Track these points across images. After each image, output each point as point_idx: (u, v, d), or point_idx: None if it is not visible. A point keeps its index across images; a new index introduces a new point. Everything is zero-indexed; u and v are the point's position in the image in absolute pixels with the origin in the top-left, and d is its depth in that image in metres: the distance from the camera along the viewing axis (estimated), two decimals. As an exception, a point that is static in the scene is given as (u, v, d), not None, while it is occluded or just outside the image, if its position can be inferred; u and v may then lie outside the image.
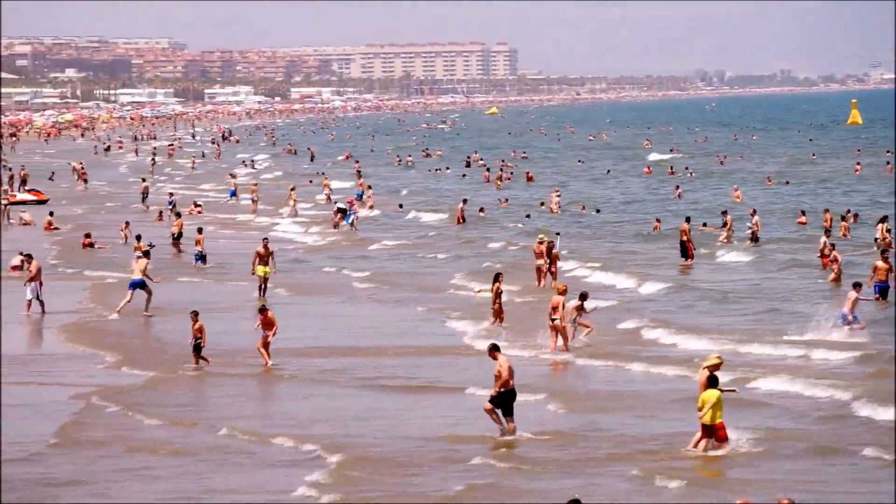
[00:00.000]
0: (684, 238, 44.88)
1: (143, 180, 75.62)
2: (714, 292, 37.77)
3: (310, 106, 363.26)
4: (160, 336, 32.80)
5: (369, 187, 71.31)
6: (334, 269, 45.26)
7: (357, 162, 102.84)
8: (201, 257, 45.50)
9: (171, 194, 67.23)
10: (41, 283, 35.67)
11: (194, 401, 25.81)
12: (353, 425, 23.09)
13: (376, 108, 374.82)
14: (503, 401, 21.84)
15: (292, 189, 68.45)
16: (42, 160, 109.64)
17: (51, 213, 60.04)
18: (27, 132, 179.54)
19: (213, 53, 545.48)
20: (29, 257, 37.01)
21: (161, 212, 62.28)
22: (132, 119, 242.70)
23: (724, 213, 50.74)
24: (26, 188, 76.15)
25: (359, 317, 35.46)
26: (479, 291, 38.07)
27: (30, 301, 35.41)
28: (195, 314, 28.39)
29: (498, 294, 32.40)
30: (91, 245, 50.55)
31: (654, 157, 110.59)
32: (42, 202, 70.59)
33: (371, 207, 65.69)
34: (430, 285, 40.89)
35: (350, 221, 58.66)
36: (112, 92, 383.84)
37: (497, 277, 32.63)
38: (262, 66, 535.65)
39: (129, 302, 35.44)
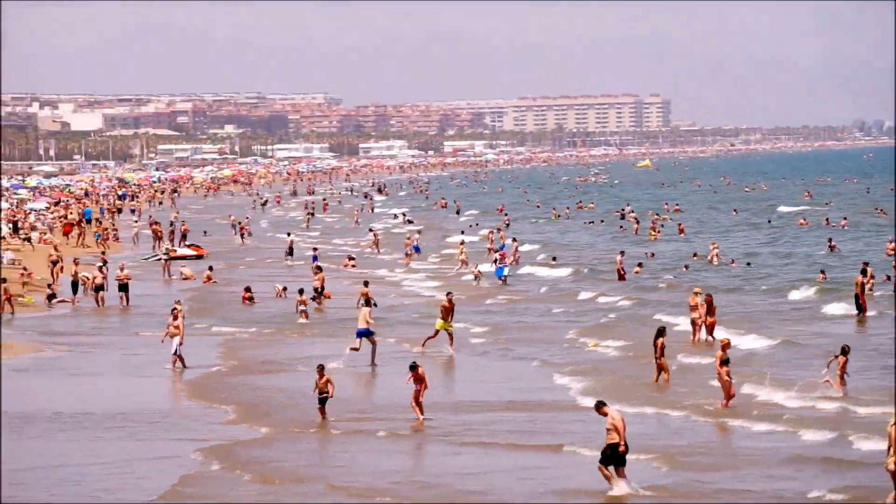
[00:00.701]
0: (858, 291, 44.15)
1: (289, 234, 77.04)
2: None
3: (462, 159, 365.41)
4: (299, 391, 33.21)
5: (514, 239, 71.72)
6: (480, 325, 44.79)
7: (507, 215, 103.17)
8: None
9: (315, 249, 67.95)
10: (181, 339, 36.13)
11: (315, 459, 25.90)
12: (471, 482, 23.04)
13: (528, 160, 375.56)
14: (616, 456, 21.87)
15: (462, 244, 68.55)
16: (201, 215, 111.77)
17: (210, 268, 61.28)
18: (188, 188, 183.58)
19: (368, 108, 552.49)
20: (175, 312, 37.11)
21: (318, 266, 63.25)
22: (288, 174, 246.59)
23: (866, 264, 49.78)
24: (186, 243, 77.88)
25: (485, 370, 35.80)
26: (594, 345, 38.25)
27: (175, 356, 35.85)
28: (321, 368, 28.79)
29: (661, 349, 32.18)
30: (251, 299, 51.43)
31: (798, 207, 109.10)
32: (200, 257, 72.12)
33: (516, 262, 64.84)
34: (550, 338, 40.90)
35: (502, 275, 58.65)
36: (269, 147, 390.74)
37: (661, 332, 32.39)
38: (415, 119, 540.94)
39: (356, 349, 36.43)
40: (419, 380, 28.40)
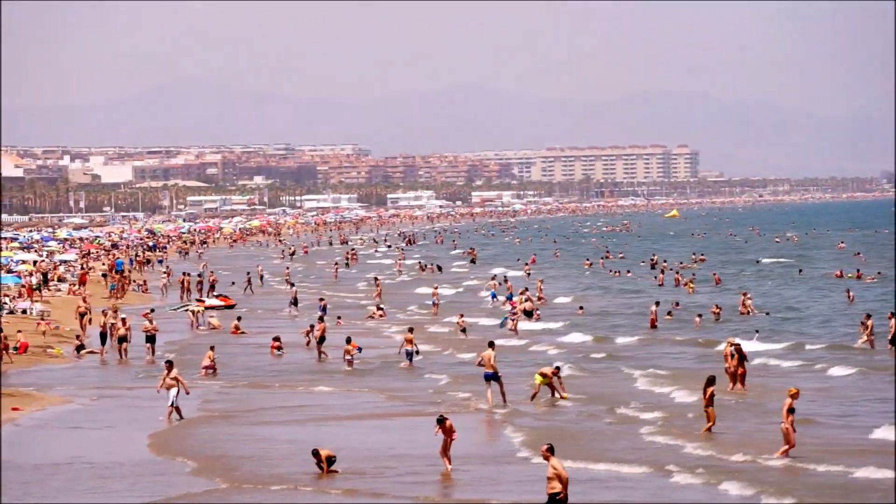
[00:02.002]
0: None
1: (292, 285, 77.36)
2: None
3: (490, 209, 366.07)
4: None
5: (540, 287, 71.90)
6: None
7: (526, 265, 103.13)
8: (410, 355, 46.63)
9: (322, 300, 67.77)
10: (188, 392, 36.02)
11: None
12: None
13: (556, 210, 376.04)
14: None
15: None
16: (228, 266, 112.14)
17: (238, 318, 61.46)
18: (216, 239, 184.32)
19: (396, 159, 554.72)
20: (170, 364, 36.78)
21: (339, 316, 63.42)
22: (316, 224, 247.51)
23: (868, 316, 49.79)
24: (214, 293, 78.17)
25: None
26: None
27: (171, 408, 35.56)
28: (442, 419, 28.74)
29: (710, 397, 32.01)
30: (279, 348, 51.58)
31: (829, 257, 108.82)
32: (230, 307, 72.35)
33: (537, 318, 63.58)
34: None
35: (501, 323, 58.27)
36: (298, 198, 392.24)
37: (711, 381, 32.26)
38: (443, 170, 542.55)
39: (490, 395, 37.24)
40: (447, 432, 28.49)
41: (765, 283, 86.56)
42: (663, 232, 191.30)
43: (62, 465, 29.37)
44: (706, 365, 44.91)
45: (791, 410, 28.77)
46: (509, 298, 68.18)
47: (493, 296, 70.43)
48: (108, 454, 30.95)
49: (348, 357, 46.69)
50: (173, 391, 35.64)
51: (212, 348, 46.94)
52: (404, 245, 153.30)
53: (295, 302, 71.42)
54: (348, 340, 47.47)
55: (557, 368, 39.50)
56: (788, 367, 45.02)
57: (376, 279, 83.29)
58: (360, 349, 48.17)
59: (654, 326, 58.48)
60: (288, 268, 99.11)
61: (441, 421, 28.67)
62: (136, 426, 34.83)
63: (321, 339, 50.04)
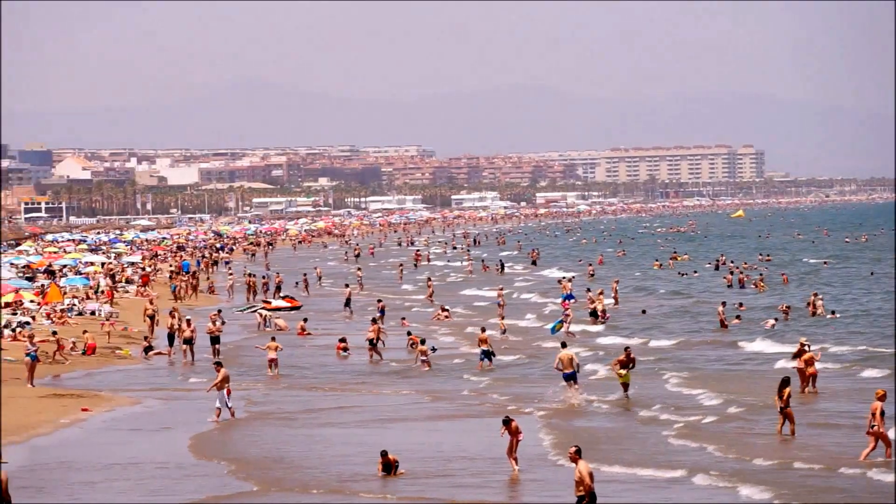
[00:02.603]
0: None
1: (347, 286, 77.30)
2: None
3: (555, 210, 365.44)
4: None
5: (615, 289, 71.76)
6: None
7: (590, 265, 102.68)
8: (486, 355, 46.60)
9: (380, 301, 67.64)
10: (229, 391, 36.06)
11: None
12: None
13: (621, 211, 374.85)
14: None
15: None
16: (292, 268, 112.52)
17: (304, 320, 61.68)
18: (283, 240, 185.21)
19: (461, 160, 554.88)
20: (218, 365, 37.15)
21: (403, 318, 63.55)
22: (381, 225, 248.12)
23: None
24: (280, 295, 78.52)
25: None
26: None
27: (219, 409, 35.81)
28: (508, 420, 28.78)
29: (787, 398, 31.79)
30: (346, 349, 51.72)
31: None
32: (295, 308, 72.64)
33: (604, 319, 62.82)
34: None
35: (554, 328, 57.39)
36: (362, 199, 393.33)
37: (786, 382, 32.05)
38: (507, 171, 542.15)
39: (571, 393, 37.88)
40: (513, 433, 28.46)
41: (834, 283, 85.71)
42: (729, 232, 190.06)
43: (112, 467, 29.52)
44: (739, 368, 44.88)
45: (882, 413, 28.47)
46: (566, 299, 67.97)
47: (570, 297, 69.76)
48: (154, 455, 31.02)
49: (423, 358, 46.79)
50: (223, 392, 35.82)
51: (273, 339, 47.39)
52: (469, 246, 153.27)
53: (348, 303, 71.59)
54: (423, 342, 47.79)
55: (627, 349, 39.56)
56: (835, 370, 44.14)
57: (429, 279, 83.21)
58: (434, 349, 48.27)
59: (724, 326, 58.06)
60: (360, 268, 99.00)
61: (507, 422, 28.67)
62: (191, 427, 34.90)
63: (374, 341, 50.17)
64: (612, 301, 69.66)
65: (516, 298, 78.36)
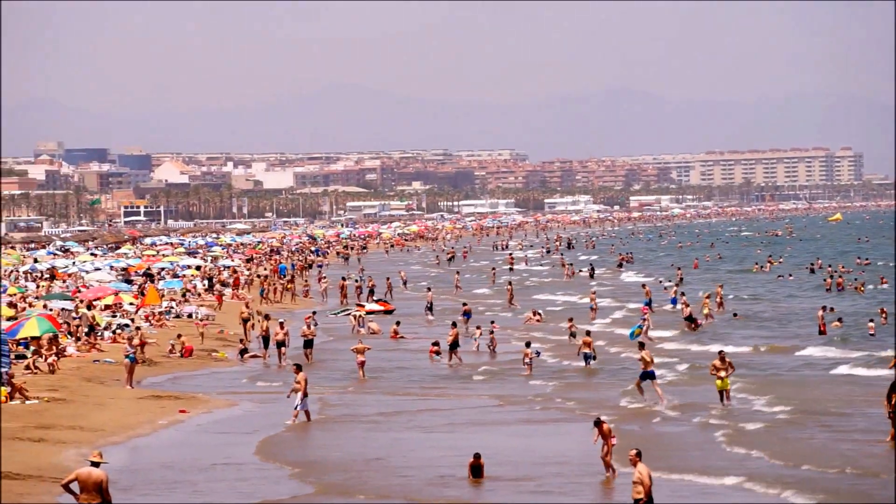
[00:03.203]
0: None
1: (428, 290, 77.53)
2: None
3: (648, 214, 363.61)
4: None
5: (720, 293, 71.07)
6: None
7: (679, 269, 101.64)
8: (588, 358, 46.92)
9: (465, 304, 67.66)
10: (306, 394, 36.15)
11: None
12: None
13: (716, 214, 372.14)
14: None
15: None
16: (385, 271, 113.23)
17: (397, 323, 62.11)
18: (376, 244, 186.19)
19: (553, 163, 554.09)
20: (297, 368, 37.25)
21: (492, 321, 63.89)
22: (474, 229, 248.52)
23: None
24: (374, 298, 79.10)
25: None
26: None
27: (297, 411, 36.02)
28: (598, 422, 28.94)
29: (895, 404, 31.49)
30: (437, 353, 52.10)
31: None
32: (389, 312, 73.15)
33: (697, 326, 61.69)
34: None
35: (633, 333, 55.98)
36: (455, 203, 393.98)
37: (894, 386, 31.82)
38: (601, 175, 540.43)
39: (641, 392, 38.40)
40: (605, 435, 28.55)
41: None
42: (826, 236, 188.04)
43: (214, 467, 30.00)
44: (798, 373, 44.64)
45: None
46: (646, 304, 68.00)
47: (649, 303, 69.68)
48: (223, 456, 31.36)
49: (527, 360, 47.04)
50: (299, 395, 36.13)
51: (360, 342, 48.00)
52: (559, 251, 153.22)
53: (430, 307, 72.07)
54: (528, 345, 48.07)
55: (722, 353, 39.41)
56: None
57: (509, 283, 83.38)
58: (538, 353, 48.46)
59: (822, 332, 57.48)
60: (458, 272, 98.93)
61: (598, 423, 28.81)
62: (275, 430, 35.36)
63: (453, 345, 50.48)
64: (717, 306, 68.80)
65: (586, 304, 77.69)
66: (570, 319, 57.44)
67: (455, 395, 42.14)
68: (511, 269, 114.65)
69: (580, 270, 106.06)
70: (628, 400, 39.06)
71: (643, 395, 38.63)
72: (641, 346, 40.76)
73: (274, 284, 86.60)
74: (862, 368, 45.58)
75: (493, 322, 63.24)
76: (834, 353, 50.25)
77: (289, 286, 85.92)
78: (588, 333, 48.91)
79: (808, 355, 50.59)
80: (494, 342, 53.51)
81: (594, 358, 47.24)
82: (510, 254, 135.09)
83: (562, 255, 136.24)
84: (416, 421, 36.90)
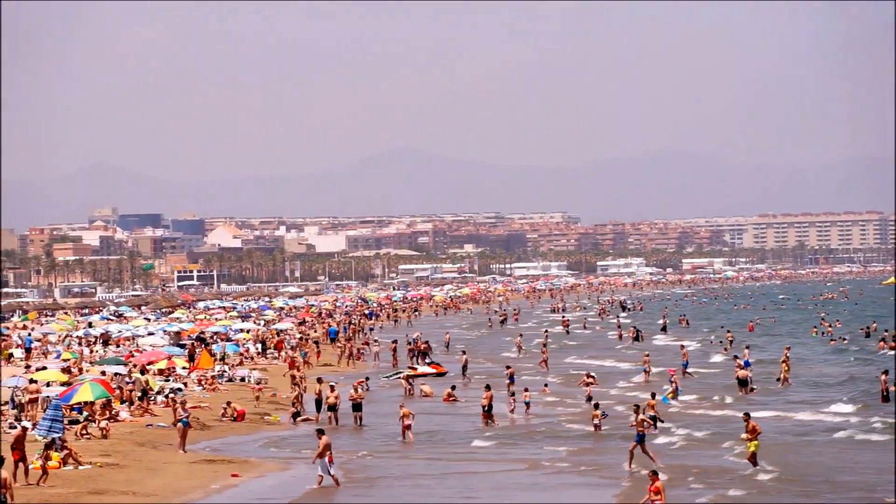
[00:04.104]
0: None
1: (464, 353, 77.44)
2: None
3: (701, 276, 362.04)
4: None
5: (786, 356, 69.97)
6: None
7: (729, 332, 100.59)
8: (654, 420, 46.45)
9: (509, 367, 67.15)
10: (331, 460, 35.94)
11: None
12: None
13: (769, 277, 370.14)
14: None
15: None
16: (436, 333, 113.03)
17: (452, 387, 61.78)
18: (430, 306, 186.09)
19: (606, 226, 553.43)
20: (320, 432, 36.92)
21: (545, 384, 63.64)
22: (526, 292, 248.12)
23: None
24: (426, 361, 78.90)
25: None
26: None
27: (321, 476, 35.78)
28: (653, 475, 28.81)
29: None
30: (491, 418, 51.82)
31: None
32: (441, 374, 72.93)
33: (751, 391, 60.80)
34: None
35: (665, 398, 55.58)
36: (507, 266, 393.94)
37: None
38: (653, 237, 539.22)
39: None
40: (657, 492, 28.28)
41: None
42: (880, 299, 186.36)
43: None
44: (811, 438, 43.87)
45: None
46: (684, 366, 67.96)
47: (686, 365, 69.41)
48: None
49: (596, 422, 46.68)
50: (324, 460, 35.90)
51: (401, 405, 47.86)
52: (618, 311, 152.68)
53: (464, 370, 71.86)
54: (596, 406, 47.98)
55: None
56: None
57: (543, 345, 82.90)
58: (605, 414, 48.14)
59: (885, 399, 55.93)
60: (521, 335, 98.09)
61: (653, 474, 28.59)
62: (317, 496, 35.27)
63: (488, 408, 50.33)
64: (785, 368, 67.44)
65: (613, 367, 77.03)
66: (588, 381, 57.66)
67: (485, 458, 41.73)
68: (567, 331, 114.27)
69: (637, 332, 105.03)
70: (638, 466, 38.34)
71: (631, 466, 37.87)
72: (637, 407, 40.41)
73: (318, 348, 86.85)
74: None
75: (545, 385, 62.93)
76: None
77: (341, 349, 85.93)
78: (653, 396, 48.55)
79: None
80: (528, 408, 53.47)
81: (661, 420, 46.77)
82: (564, 317, 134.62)
83: (617, 317, 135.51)
84: (446, 484, 36.77)
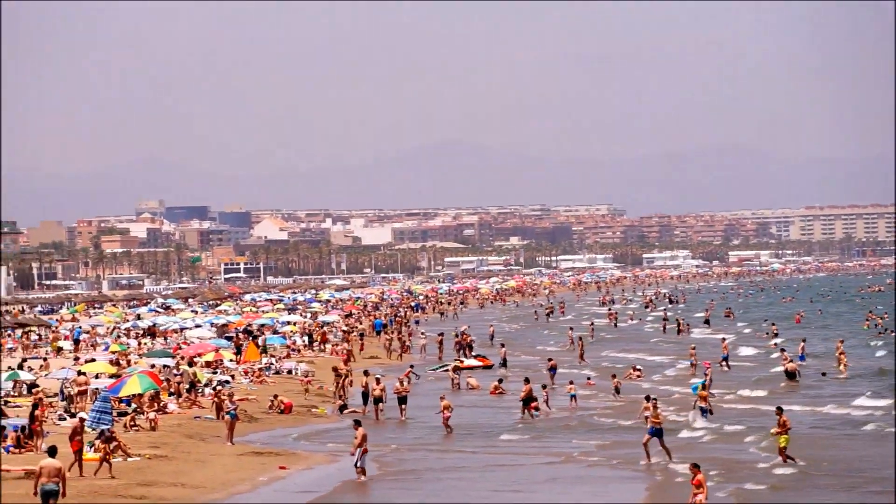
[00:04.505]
0: None
1: (502, 346, 77.56)
2: None
3: (747, 269, 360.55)
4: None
5: (840, 348, 69.37)
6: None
7: (773, 324, 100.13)
8: (704, 412, 46.50)
9: (551, 360, 66.96)
10: (365, 451, 35.98)
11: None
12: None
13: (816, 270, 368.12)
14: None
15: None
16: (481, 326, 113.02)
17: (499, 380, 61.80)
18: (476, 299, 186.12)
19: (652, 218, 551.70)
20: (357, 424, 36.94)
21: (588, 378, 63.60)
22: (572, 284, 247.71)
23: None
24: (472, 354, 78.94)
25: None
26: None
27: (359, 467, 35.84)
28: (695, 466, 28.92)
29: None
30: (537, 409, 51.81)
31: None
32: (487, 367, 72.98)
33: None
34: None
35: (696, 388, 56.01)
36: (553, 258, 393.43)
37: None
38: (699, 230, 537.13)
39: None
40: (699, 484, 28.32)
41: None
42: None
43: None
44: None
45: None
46: (724, 359, 68.18)
47: (725, 358, 69.40)
48: None
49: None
50: (360, 450, 35.97)
51: (442, 397, 47.92)
52: (665, 304, 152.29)
53: (504, 363, 71.93)
54: (647, 398, 47.58)
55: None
56: None
57: (580, 338, 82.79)
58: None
59: None
60: (572, 328, 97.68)
61: (696, 467, 28.63)
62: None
63: (526, 400, 50.33)
64: (842, 365, 66.70)
65: (648, 360, 76.35)
66: (614, 376, 58.06)
67: (520, 452, 41.78)
68: (615, 325, 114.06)
69: (685, 324, 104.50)
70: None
71: (650, 459, 37.85)
72: (648, 398, 40.42)
73: (361, 340, 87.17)
74: None
75: (588, 379, 62.88)
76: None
77: (388, 341, 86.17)
78: (705, 387, 48.45)
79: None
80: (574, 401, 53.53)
81: (711, 412, 46.62)
82: (610, 311, 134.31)
83: (664, 310, 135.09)
84: (482, 477, 36.94)
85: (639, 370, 66.86)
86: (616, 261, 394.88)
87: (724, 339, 76.48)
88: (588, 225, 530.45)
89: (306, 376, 64.24)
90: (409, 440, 44.84)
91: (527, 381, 52.36)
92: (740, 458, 38.50)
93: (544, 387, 53.84)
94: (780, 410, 38.13)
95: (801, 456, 37.29)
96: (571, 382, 56.37)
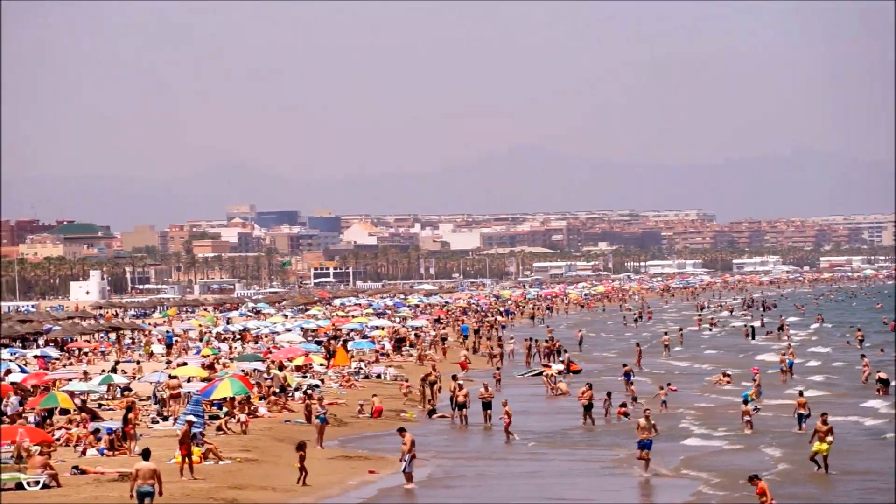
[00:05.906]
0: None
1: (565, 351, 77.91)
2: None
3: (839, 274, 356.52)
4: None
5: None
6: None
7: (859, 330, 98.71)
8: (801, 419, 46.03)
9: (625, 365, 66.52)
10: (413, 456, 35.92)
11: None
12: None
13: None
14: None
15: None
16: (567, 330, 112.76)
17: (589, 386, 61.62)
18: (565, 304, 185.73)
19: (742, 224, 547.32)
20: (401, 431, 36.81)
21: (668, 383, 63.17)
22: (661, 289, 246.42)
23: None
24: (560, 359, 78.73)
25: None
26: None
27: (407, 473, 35.76)
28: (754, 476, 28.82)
29: None
30: (626, 414, 51.62)
31: None
32: (576, 372, 72.77)
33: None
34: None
35: (747, 395, 53.83)
36: (642, 263, 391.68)
37: None
38: (790, 235, 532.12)
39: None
40: (763, 493, 28.18)
41: None
42: None
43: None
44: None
45: None
46: (790, 365, 67.77)
47: (791, 364, 68.99)
48: None
49: (747, 418, 46.43)
50: (407, 457, 35.89)
51: (505, 403, 47.77)
52: (759, 310, 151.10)
53: (568, 368, 72.01)
54: (745, 402, 47.55)
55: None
56: None
57: (637, 344, 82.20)
58: (757, 409, 47.59)
59: None
60: (666, 333, 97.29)
61: (753, 479, 28.55)
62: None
63: (588, 406, 50.31)
64: None
65: (695, 368, 75.90)
66: (661, 387, 56.99)
67: (575, 458, 41.66)
68: (711, 329, 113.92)
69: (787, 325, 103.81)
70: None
71: (647, 470, 37.41)
72: (801, 393, 40.07)
73: (444, 345, 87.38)
74: None
75: (669, 384, 62.48)
76: None
77: (473, 346, 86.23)
78: (801, 394, 48.01)
79: None
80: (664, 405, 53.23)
81: (808, 416, 46.14)
82: (697, 316, 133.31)
83: (762, 315, 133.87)
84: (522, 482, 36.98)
85: (728, 376, 66.31)
86: (706, 266, 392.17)
87: (790, 346, 75.90)
88: (677, 230, 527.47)
89: (406, 381, 63.96)
90: (468, 448, 44.82)
91: (589, 386, 52.19)
92: (775, 466, 38.18)
93: (608, 394, 53.35)
94: (825, 417, 37.50)
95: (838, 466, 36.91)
96: (661, 388, 56.04)
